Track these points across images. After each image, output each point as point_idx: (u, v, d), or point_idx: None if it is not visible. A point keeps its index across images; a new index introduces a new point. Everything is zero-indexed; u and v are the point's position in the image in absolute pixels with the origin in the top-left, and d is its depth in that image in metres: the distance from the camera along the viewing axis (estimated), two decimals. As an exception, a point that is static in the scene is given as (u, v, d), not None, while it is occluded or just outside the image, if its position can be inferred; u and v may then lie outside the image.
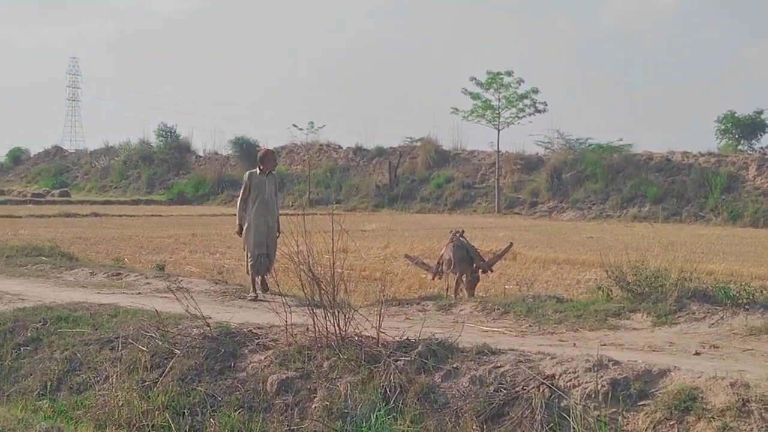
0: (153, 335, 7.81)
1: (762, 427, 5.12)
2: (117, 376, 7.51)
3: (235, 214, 11.57)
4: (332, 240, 7.22)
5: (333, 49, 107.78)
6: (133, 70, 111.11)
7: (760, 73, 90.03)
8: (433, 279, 13.03)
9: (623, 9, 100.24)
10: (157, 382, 7.23)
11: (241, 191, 11.37)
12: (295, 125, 49.76)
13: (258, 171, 11.38)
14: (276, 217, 11.29)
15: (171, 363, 7.37)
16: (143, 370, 7.43)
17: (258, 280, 11.18)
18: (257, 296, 10.91)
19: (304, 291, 7.43)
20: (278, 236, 11.09)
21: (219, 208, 46.13)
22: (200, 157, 60.27)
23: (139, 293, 11.29)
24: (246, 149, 55.91)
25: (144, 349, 7.63)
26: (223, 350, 7.41)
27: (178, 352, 7.46)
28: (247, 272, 11.28)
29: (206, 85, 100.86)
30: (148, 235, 24.25)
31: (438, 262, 12.87)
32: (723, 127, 48.29)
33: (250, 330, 7.79)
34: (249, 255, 11.05)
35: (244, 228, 11.12)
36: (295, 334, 7.32)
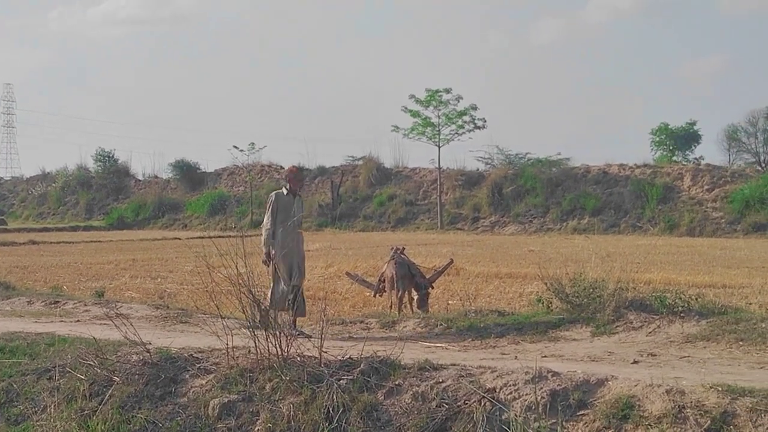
0: (91, 363, 7.66)
1: (697, 432, 5.23)
2: (55, 406, 7.35)
3: (259, 234, 10.03)
4: (272, 261, 7.18)
5: (272, 70, 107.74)
6: (69, 95, 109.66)
7: (692, 87, 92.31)
8: (375, 296, 13.06)
9: (556, 26, 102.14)
10: (96, 411, 7.10)
11: (268, 214, 9.95)
12: (236, 147, 49.49)
13: (285, 191, 10.15)
14: (302, 245, 10.18)
15: (110, 391, 7.25)
16: (82, 399, 7.29)
17: (283, 316, 9.31)
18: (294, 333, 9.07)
19: (244, 313, 7.38)
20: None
21: (160, 232, 45.59)
22: (140, 180, 59.57)
23: (78, 321, 11.09)
24: (186, 172, 55.47)
25: (82, 377, 7.49)
26: (163, 376, 7.30)
27: (118, 379, 7.34)
28: (271, 307, 9.14)
29: (145, 109, 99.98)
30: (87, 261, 23.86)
31: (379, 280, 12.92)
32: (658, 139, 49.44)
33: (191, 354, 7.70)
34: (276, 288, 9.62)
35: (273, 255, 9.68)
36: (237, 357, 7.26)
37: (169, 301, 13.64)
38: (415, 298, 12.64)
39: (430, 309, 12.45)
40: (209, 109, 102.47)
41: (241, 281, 7.30)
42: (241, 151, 49.41)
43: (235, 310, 8.16)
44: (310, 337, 8.19)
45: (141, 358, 7.62)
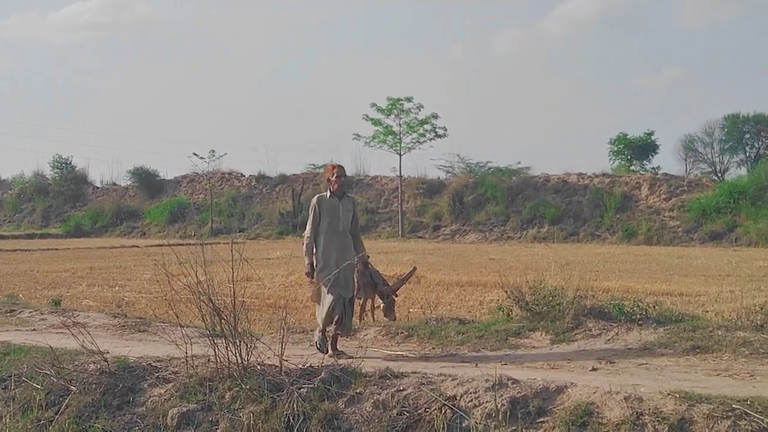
0: (48, 372, 7.56)
1: (655, 438, 5.29)
2: (11, 416, 7.24)
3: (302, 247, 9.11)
4: (232, 269, 7.15)
5: (232, 77, 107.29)
6: (25, 101, 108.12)
7: (650, 98, 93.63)
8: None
9: (516, 38, 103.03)
10: (52, 421, 7.01)
11: (310, 221, 8.94)
12: (196, 154, 49.13)
13: (328, 193, 9.11)
14: (357, 253, 9.07)
15: (67, 400, 7.16)
16: (38, 408, 7.19)
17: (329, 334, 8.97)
18: (334, 354, 8.59)
19: (204, 322, 7.32)
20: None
21: (118, 239, 45.11)
22: (98, 188, 58.89)
23: (34, 330, 10.93)
24: (145, 179, 54.99)
25: (38, 387, 7.39)
26: (121, 385, 7.23)
27: (75, 388, 7.25)
28: (319, 326, 8.87)
29: (103, 116, 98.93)
30: (44, 269, 23.50)
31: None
32: (616, 148, 50.01)
33: (150, 363, 7.63)
34: (324, 303, 8.78)
35: (317, 266, 8.83)
36: (196, 366, 7.20)
37: (128, 310, 13.48)
38: (381, 306, 12.61)
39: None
40: (169, 116, 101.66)
41: (200, 289, 7.25)
42: (202, 158, 49.14)
43: (195, 319, 8.10)
44: (351, 357, 7.91)
45: (98, 367, 7.53)
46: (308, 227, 8.96)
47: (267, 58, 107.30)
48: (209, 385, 6.88)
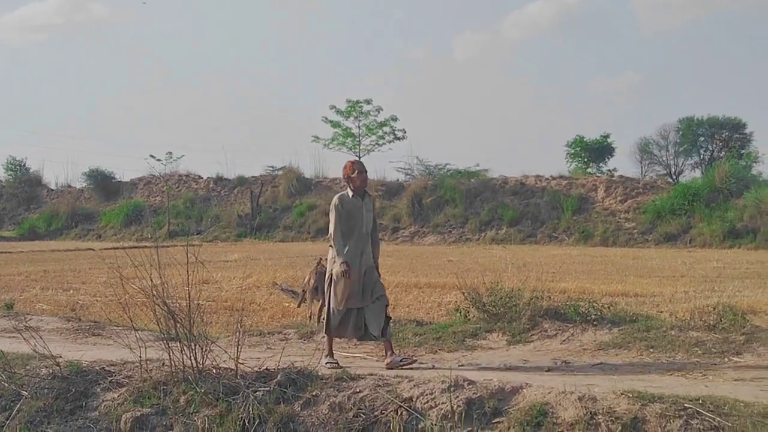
0: (-2, 377, 7.43)
1: (608, 438, 5.34)
2: (-41, 422, 7.10)
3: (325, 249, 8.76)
4: (187, 272, 7.08)
5: (190, 78, 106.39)
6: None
7: (606, 101, 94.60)
8: (299, 307, 12.99)
9: (476, 41, 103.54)
10: (3, 426, 6.89)
11: (333, 223, 8.29)
12: (152, 156, 48.69)
13: (350, 193, 8.48)
14: (375, 256, 8.54)
15: (18, 405, 7.04)
16: (-12, 414, 7.06)
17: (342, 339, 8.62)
18: (337, 363, 8.05)
19: (159, 325, 7.25)
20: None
21: (73, 242, 44.46)
22: (52, 190, 57.98)
23: (-15, 334, 10.73)
24: (101, 181, 54.31)
25: (-12, 392, 7.26)
26: (74, 390, 7.13)
27: (26, 393, 7.13)
28: (328, 331, 8.34)
29: (58, 117, 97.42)
30: (-4, 272, 23.10)
31: (302, 290, 12.87)
32: (573, 151, 50.45)
33: (103, 368, 7.53)
34: (334, 309, 8.23)
35: (332, 273, 8.26)
36: (150, 370, 7.13)
37: (82, 314, 13.29)
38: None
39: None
40: (125, 117, 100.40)
41: (155, 293, 7.17)
42: (158, 160, 48.72)
43: (150, 322, 8.02)
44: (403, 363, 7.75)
45: (51, 371, 7.42)
46: (334, 227, 8.26)
47: (225, 59, 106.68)
48: (163, 389, 6.81)
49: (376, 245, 8.58)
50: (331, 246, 8.35)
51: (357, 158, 8.50)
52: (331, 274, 8.25)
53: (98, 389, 7.18)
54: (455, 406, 5.86)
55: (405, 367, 7.67)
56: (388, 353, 8.02)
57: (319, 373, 6.70)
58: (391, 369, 7.60)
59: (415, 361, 7.96)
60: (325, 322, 8.37)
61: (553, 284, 13.29)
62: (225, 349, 6.97)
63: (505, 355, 8.60)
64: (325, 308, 8.39)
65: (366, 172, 8.55)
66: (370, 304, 8.20)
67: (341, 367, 7.69)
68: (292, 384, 6.52)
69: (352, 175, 8.47)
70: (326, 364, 7.93)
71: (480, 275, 10.64)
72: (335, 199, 8.42)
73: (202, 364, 6.81)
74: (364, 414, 6.04)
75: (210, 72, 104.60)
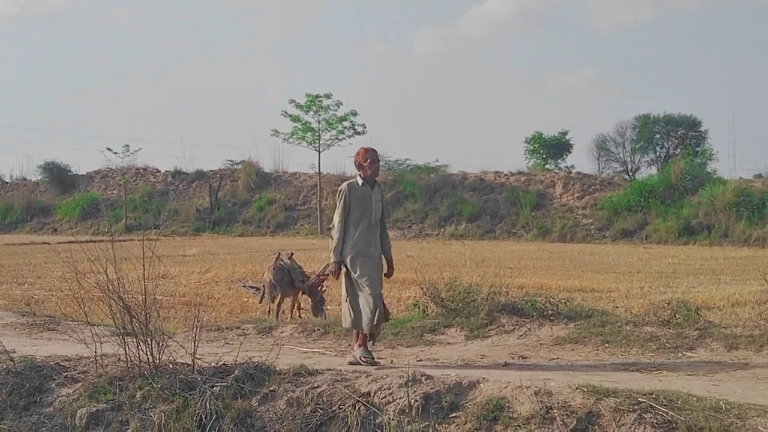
0: (-50, 373, 7.30)
1: (564, 432, 5.40)
2: None
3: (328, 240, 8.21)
4: (143, 266, 7.01)
5: (147, 70, 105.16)
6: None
7: (564, 98, 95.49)
8: (261, 302, 12.95)
9: (436, 37, 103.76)
10: (-46, 423, 6.77)
11: (339, 211, 7.94)
12: (109, 149, 48.19)
13: (359, 181, 8.10)
14: (386, 248, 8.20)
15: (-30, 402, 6.92)
16: (-61, 411, 6.94)
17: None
18: (373, 358, 7.82)
19: (115, 320, 7.17)
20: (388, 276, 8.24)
21: (28, 236, 43.81)
22: (7, 183, 57.10)
23: (-64, 329, 10.54)
24: (57, 174, 53.58)
25: (-61, 388, 7.13)
26: (28, 385, 7.03)
27: (-21, 389, 7.02)
28: (355, 327, 7.93)
29: (13, 109, 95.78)
30: (-51, 267, 22.69)
31: (263, 285, 12.83)
32: (531, 147, 50.81)
33: (58, 363, 7.44)
34: (359, 298, 7.85)
35: (348, 261, 7.87)
36: (106, 365, 7.05)
37: (37, 308, 13.11)
38: (310, 304, 12.68)
39: (308, 316, 12.45)
40: (82, 110, 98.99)
41: (111, 287, 7.10)
42: (115, 153, 48.22)
43: (106, 317, 7.93)
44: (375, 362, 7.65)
45: (4, 367, 7.32)
46: (337, 218, 7.94)
47: (184, 52, 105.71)
48: (119, 384, 6.74)
49: (385, 234, 8.26)
50: (330, 237, 8.08)
51: (370, 148, 8.18)
52: (346, 266, 7.91)
53: (53, 385, 7.09)
54: (413, 401, 5.87)
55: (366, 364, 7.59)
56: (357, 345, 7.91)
57: (277, 368, 6.67)
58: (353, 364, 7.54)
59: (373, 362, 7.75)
60: (348, 315, 7.91)
61: (511, 280, 13.39)
62: (182, 344, 6.91)
63: (463, 350, 8.65)
64: (344, 303, 8.00)
65: (378, 161, 8.16)
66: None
67: (377, 362, 7.56)
68: (249, 379, 6.49)
69: (364, 164, 8.05)
70: (361, 357, 7.67)
71: (439, 270, 10.67)
72: (344, 186, 8.00)
73: (159, 359, 6.75)
74: (321, 409, 6.03)
75: (168, 65, 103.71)
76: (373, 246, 7.94)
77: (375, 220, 8.00)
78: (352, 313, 7.86)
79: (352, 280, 7.88)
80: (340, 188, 8.03)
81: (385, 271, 8.17)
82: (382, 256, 8.14)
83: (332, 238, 7.99)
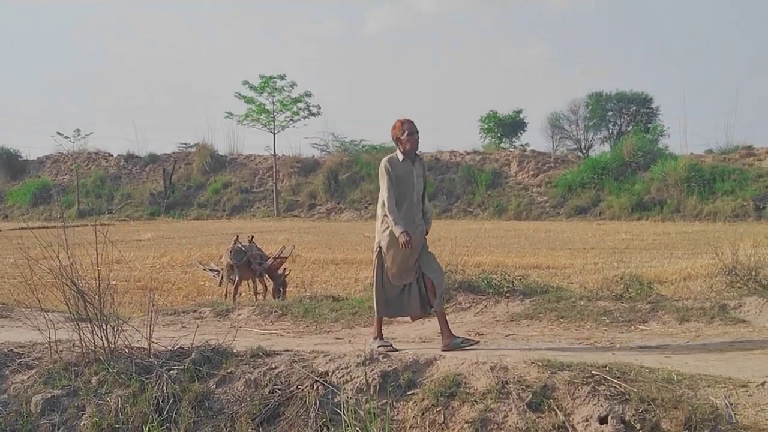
0: None
1: (520, 407, 5.47)
2: None
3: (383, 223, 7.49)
4: (96, 251, 6.94)
5: (98, 53, 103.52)
6: None
7: (518, 76, 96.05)
8: (220, 285, 12.89)
9: (388, 14, 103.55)
10: None
11: (386, 186, 7.35)
12: (60, 133, 47.33)
13: (399, 156, 7.48)
14: (428, 223, 7.67)
15: None
16: None
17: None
18: (392, 345, 7.29)
19: (68, 306, 7.10)
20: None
21: (-24, 223, 43.03)
22: (-45, 169, 55.94)
23: None
24: (6, 159, 52.57)
25: None
26: (-20, 373, 6.94)
27: (-70, 379, 6.91)
28: (385, 314, 7.59)
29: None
30: None
31: (222, 269, 12.78)
32: (486, 126, 51.03)
33: (11, 350, 7.35)
34: (386, 286, 7.44)
35: (384, 245, 7.38)
36: (61, 351, 6.99)
37: (-11, 296, 12.91)
38: (270, 287, 12.66)
39: (265, 298, 12.45)
40: (31, 93, 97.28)
41: (64, 273, 7.02)
42: (66, 137, 47.38)
43: (60, 304, 7.84)
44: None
45: (-44, 355, 7.21)
46: (385, 193, 7.33)
47: (134, 33, 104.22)
48: (74, 370, 6.69)
49: (428, 213, 7.69)
50: (386, 216, 7.38)
51: (407, 119, 7.50)
52: (380, 248, 7.42)
53: (7, 372, 7.01)
54: (370, 380, 5.92)
55: (466, 348, 7.10)
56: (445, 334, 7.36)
57: (234, 351, 6.66)
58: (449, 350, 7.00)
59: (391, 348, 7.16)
60: (375, 300, 7.48)
61: (467, 258, 13.44)
62: (138, 328, 6.87)
63: (421, 329, 8.70)
64: (373, 288, 7.52)
65: (417, 132, 7.47)
66: (420, 278, 7.47)
67: (396, 350, 7.04)
68: (206, 362, 6.48)
69: (402, 137, 7.44)
70: (378, 347, 7.03)
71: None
72: (385, 162, 7.41)
73: (114, 344, 6.70)
74: (279, 390, 6.05)
75: (119, 46, 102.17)
76: (415, 226, 7.39)
77: (417, 198, 7.48)
78: (380, 296, 7.43)
79: (383, 265, 7.40)
80: (381, 164, 7.44)
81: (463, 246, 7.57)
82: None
83: (387, 217, 7.35)
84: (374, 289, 7.49)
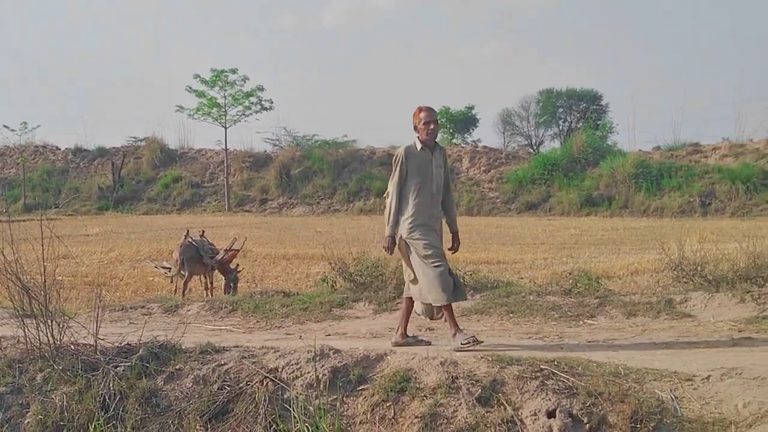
0: None
1: (469, 401, 5.50)
2: None
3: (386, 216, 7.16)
4: (42, 246, 6.80)
5: (45, 44, 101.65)
6: None
7: (471, 72, 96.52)
8: (172, 281, 12.76)
9: (344, 9, 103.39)
10: None
11: (394, 179, 7.07)
12: (6, 126, 46.49)
13: (417, 145, 7.12)
14: (451, 220, 7.45)
15: None
16: None
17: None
18: (475, 338, 6.80)
19: (12, 302, 6.95)
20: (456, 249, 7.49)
21: None
22: None
23: None
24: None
25: None
26: None
27: None
28: (449, 299, 6.92)
29: None
30: None
31: (173, 264, 12.67)
32: (440, 121, 51.18)
33: (-46, 347, 7.17)
34: (430, 270, 6.89)
35: (405, 235, 7.00)
36: (5, 348, 6.84)
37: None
38: (223, 282, 12.58)
39: (216, 294, 12.36)
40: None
41: (8, 268, 6.87)
42: (12, 130, 46.57)
43: (4, 300, 7.70)
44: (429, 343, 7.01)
45: None
46: (391, 186, 7.07)
47: (85, 25, 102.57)
48: (19, 367, 6.55)
49: (451, 207, 7.37)
50: (386, 207, 7.18)
51: (427, 107, 7.13)
52: (402, 239, 7.01)
53: (-52, 370, 6.84)
54: (321, 375, 5.89)
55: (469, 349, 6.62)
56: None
57: (183, 347, 6.59)
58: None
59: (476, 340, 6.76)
60: (422, 295, 7.00)
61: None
62: (84, 324, 6.75)
63: (372, 324, 8.70)
64: (417, 281, 7.01)
65: (437, 121, 7.14)
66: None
67: (480, 341, 6.70)
68: (154, 358, 6.39)
69: (419, 125, 7.07)
70: (463, 343, 6.67)
71: (347, 245, 10.68)
72: (400, 151, 7.07)
73: (60, 340, 6.58)
74: (228, 386, 5.99)
75: (68, 38, 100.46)
76: (434, 219, 7.08)
77: (437, 189, 7.09)
78: (425, 288, 6.93)
79: (414, 256, 6.98)
80: (396, 153, 7.12)
81: (449, 245, 7.38)
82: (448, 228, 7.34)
83: (386, 208, 7.14)
84: (419, 282, 6.94)
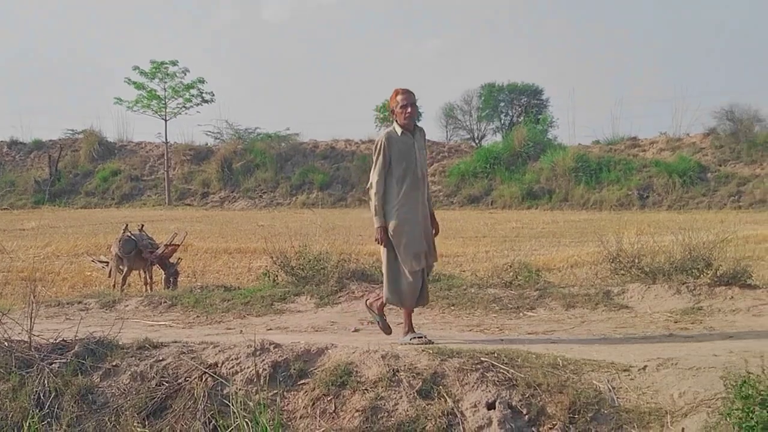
0: None
1: (410, 394, 5.51)
2: None
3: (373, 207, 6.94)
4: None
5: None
6: None
7: (414, 66, 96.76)
8: (110, 276, 12.55)
9: (284, 2, 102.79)
10: None
11: (377, 167, 6.83)
12: (-62, 118, 45.24)
13: (398, 130, 6.90)
14: (430, 206, 7.15)
15: None
16: None
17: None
18: (425, 337, 6.78)
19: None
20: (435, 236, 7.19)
21: None
22: None
23: None
24: None
25: None
26: None
27: None
28: (395, 302, 6.98)
29: None
30: None
31: (111, 259, 12.46)
32: (382, 115, 51.12)
33: None
34: (401, 272, 6.83)
35: (390, 228, 6.82)
36: (-66, 345, 6.65)
37: None
38: (162, 277, 12.40)
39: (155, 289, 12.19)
40: None
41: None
42: (-55, 122, 45.35)
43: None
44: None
45: None
46: (375, 176, 6.81)
47: (17, 16, 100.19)
48: (-51, 365, 6.38)
49: (426, 187, 7.13)
50: (369, 199, 6.97)
51: (404, 89, 7.03)
52: (388, 235, 6.80)
53: None
54: (261, 370, 5.85)
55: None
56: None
57: (120, 343, 6.48)
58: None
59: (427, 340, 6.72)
60: (392, 293, 6.88)
61: (361, 247, 13.51)
62: (18, 321, 6.61)
63: (314, 318, 8.67)
64: (385, 277, 6.91)
65: (415, 103, 6.91)
66: (429, 263, 7.07)
67: (432, 342, 6.61)
68: (90, 354, 6.29)
69: (397, 109, 6.89)
70: (411, 340, 6.65)
71: (290, 239, 10.61)
72: (382, 138, 6.83)
73: (-8, 337, 6.43)
74: (167, 382, 5.92)
75: (3, 26, 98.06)
76: (420, 204, 6.88)
77: (422, 173, 6.88)
78: (390, 285, 6.86)
79: (394, 250, 6.83)
80: (377, 139, 6.88)
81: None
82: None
83: (371, 200, 6.91)
84: (386, 279, 6.88)
